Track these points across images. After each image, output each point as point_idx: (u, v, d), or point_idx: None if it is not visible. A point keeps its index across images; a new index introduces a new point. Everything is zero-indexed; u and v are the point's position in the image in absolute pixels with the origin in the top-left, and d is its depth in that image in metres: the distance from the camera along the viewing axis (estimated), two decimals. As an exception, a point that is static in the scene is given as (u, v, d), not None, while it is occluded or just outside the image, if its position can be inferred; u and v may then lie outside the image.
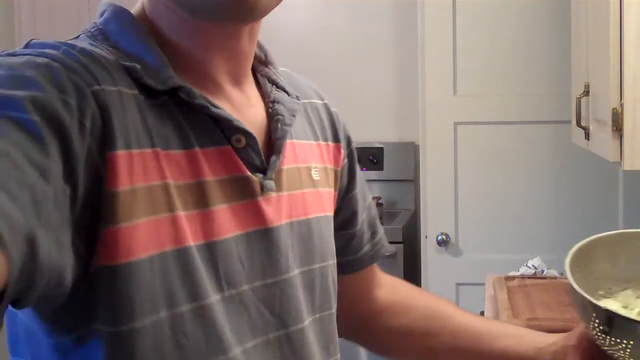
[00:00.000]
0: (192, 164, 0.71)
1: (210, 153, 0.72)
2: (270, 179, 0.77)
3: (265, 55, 0.86)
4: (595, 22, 1.91)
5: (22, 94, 0.58)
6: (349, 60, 3.56)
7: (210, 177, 0.72)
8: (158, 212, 0.67)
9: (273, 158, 0.78)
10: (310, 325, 0.81)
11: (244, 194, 0.74)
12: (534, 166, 2.98)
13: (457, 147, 2.98)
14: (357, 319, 1.02)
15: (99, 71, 0.65)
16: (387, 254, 1.04)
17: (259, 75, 0.84)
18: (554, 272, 2.34)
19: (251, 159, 0.75)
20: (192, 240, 0.69)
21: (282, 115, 0.80)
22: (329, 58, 3.55)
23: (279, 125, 0.80)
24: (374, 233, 1.01)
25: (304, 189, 0.83)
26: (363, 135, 3.46)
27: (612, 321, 0.80)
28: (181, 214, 0.68)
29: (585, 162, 2.78)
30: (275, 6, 0.75)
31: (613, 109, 1.59)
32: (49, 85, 0.60)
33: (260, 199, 0.76)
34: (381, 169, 3.49)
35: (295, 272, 0.79)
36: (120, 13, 0.74)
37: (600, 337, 0.83)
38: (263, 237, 0.76)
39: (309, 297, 0.81)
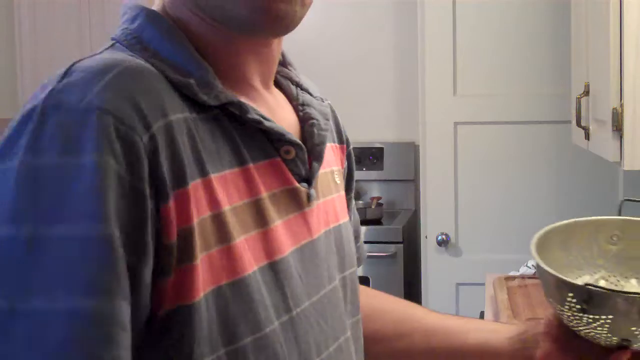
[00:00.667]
0: (248, 181, 0.68)
1: (263, 167, 0.70)
2: (313, 187, 0.75)
3: (283, 56, 0.83)
4: (595, 22, 1.91)
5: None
6: (349, 60, 3.56)
7: (264, 193, 0.69)
8: (210, 247, 0.62)
9: (315, 166, 0.75)
10: (350, 332, 0.79)
11: (294, 207, 0.72)
12: (534, 166, 2.98)
13: (457, 147, 2.98)
14: None
15: (148, 102, 0.59)
16: (361, 264, 0.98)
17: (278, 77, 0.82)
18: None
19: (298, 169, 0.73)
20: (254, 264, 0.65)
21: (317, 120, 0.78)
22: (329, 58, 3.55)
23: (315, 130, 0.77)
24: (356, 238, 0.95)
25: (333, 194, 0.81)
26: (363, 135, 3.46)
27: (591, 297, 0.79)
28: (240, 240, 0.65)
29: (585, 162, 2.78)
30: (303, 17, 0.73)
31: (613, 109, 1.59)
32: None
33: (307, 209, 0.74)
34: (381, 169, 3.49)
35: (337, 281, 0.78)
36: (155, 18, 0.69)
37: (576, 317, 0.82)
38: (311, 248, 0.73)
39: (346, 304, 0.80)
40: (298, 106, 0.79)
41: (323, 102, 0.82)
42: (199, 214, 0.61)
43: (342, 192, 0.87)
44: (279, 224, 0.69)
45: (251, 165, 0.68)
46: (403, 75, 3.46)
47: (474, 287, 2.87)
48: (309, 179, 0.74)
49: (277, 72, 0.81)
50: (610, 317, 0.80)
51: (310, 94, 0.81)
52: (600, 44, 1.78)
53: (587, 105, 2.04)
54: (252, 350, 0.63)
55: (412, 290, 3.07)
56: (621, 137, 1.58)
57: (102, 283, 0.53)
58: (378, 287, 1.25)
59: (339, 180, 0.85)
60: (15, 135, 0.56)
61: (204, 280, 0.60)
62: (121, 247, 0.54)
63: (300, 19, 0.72)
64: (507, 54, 2.97)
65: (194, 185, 0.61)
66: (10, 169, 0.55)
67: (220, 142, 0.66)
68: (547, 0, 2.93)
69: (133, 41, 0.67)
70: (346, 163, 0.93)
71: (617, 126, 1.58)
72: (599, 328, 0.82)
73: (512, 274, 2.36)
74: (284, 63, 0.83)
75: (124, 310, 0.54)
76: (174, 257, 0.58)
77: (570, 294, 0.82)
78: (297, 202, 0.72)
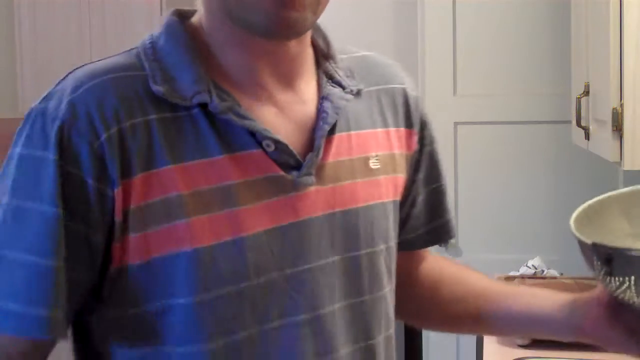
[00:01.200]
0: (217, 169, 0.79)
1: (241, 157, 0.81)
2: (308, 174, 0.83)
3: (328, 49, 0.92)
4: (595, 22, 1.91)
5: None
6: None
7: (237, 179, 0.80)
8: (171, 220, 0.78)
9: (309, 156, 0.84)
10: (346, 308, 0.86)
11: (278, 191, 0.82)
12: (534, 166, 2.98)
13: (457, 147, 2.98)
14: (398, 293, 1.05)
15: (102, 115, 0.77)
16: (448, 241, 1.07)
17: (320, 70, 0.90)
18: (554, 272, 2.34)
19: (284, 159, 0.82)
20: (213, 239, 0.78)
21: (326, 113, 0.86)
22: (329, 58, 3.55)
23: (321, 123, 0.85)
24: (433, 217, 1.03)
25: (357, 179, 0.88)
26: (363, 135, 3.46)
27: (610, 257, 0.79)
28: (196, 218, 0.78)
29: (585, 162, 2.78)
30: (314, 22, 0.84)
31: (613, 109, 1.59)
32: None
33: (295, 194, 0.83)
34: (381, 169, 3.49)
35: (331, 259, 0.85)
36: (171, 27, 0.83)
37: (607, 281, 0.81)
38: (297, 228, 0.83)
39: (350, 281, 0.87)
40: (320, 100, 0.88)
41: (352, 92, 0.89)
42: (145, 199, 0.77)
43: (392, 175, 0.93)
44: (252, 206, 0.80)
45: (224, 156, 0.80)
46: (403, 75, 3.46)
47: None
48: (297, 167, 0.83)
49: (321, 66, 0.90)
50: (633, 277, 0.78)
51: (343, 86, 0.89)
52: (600, 44, 1.78)
53: (587, 105, 2.04)
54: (206, 308, 0.78)
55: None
56: (621, 137, 1.58)
57: (45, 246, 0.75)
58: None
59: (379, 165, 0.90)
60: (20, 129, 0.79)
61: (145, 250, 0.77)
62: (63, 220, 0.75)
63: (312, 24, 0.83)
64: (507, 54, 2.97)
65: (142, 176, 0.77)
66: (13, 155, 0.78)
67: (189, 137, 0.79)
68: (547, 0, 2.93)
69: (149, 47, 0.83)
70: (417, 146, 0.98)
71: (617, 126, 1.58)
72: (628, 291, 0.79)
73: (512, 274, 2.36)
74: (327, 56, 0.91)
75: (61, 269, 0.75)
76: (120, 229, 0.77)
77: (595, 257, 0.80)
78: (279, 188, 0.82)
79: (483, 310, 1.01)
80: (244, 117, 0.81)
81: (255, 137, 0.81)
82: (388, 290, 0.93)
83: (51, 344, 0.80)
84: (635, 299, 0.80)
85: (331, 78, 0.90)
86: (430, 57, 3.00)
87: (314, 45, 0.91)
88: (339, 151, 0.87)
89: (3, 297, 0.75)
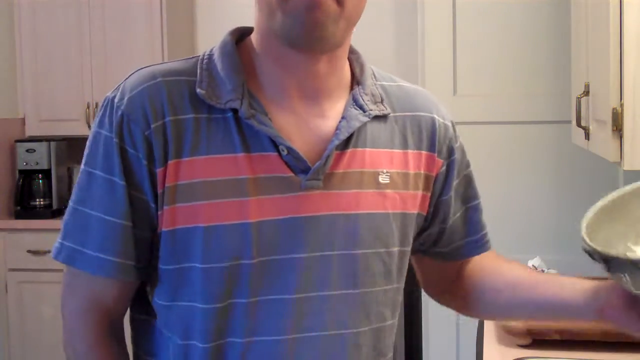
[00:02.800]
0: (234, 165, 0.95)
1: (258, 157, 0.96)
2: (316, 179, 0.97)
3: (360, 76, 1.05)
4: (595, 22, 1.91)
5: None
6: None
7: (249, 175, 0.95)
8: (193, 200, 0.95)
9: (318, 163, 0.97)
10: (335, 297, 0.99)
11: (286, 190, 0.96)
12: (534, 166, 2.99)
13: (457, 147, 2.97)
14: (442, 290, 1.22)
15: (152, 109, 0.96)
16: (485, 252, 1.20)
17: (351, 94, 1.03)
18: (554, 272, 2.34)
19: (295, 163, 0.96)
20: (222, 221, 0.94)
21: (339, 131, 0.99)
22: (329, 58, 3.55)
23: (334, 138, 0.98)
24: (469, 233, 1.16)
25: (363, 189, 1.00)
26: (363, 135, 3.46)
27: (606, 260, 0.89)
28: (207, 202, 0.94)
29: (585, 162, 2.79)
30: (343, 39, 0.98)
31: (613, 109, 1.59)
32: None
33: (300, 194, 0.96)
34: (381, 169, 3.49)
35: (328, 253, 0.98)
36: (225, 45, 1.00)
37: (613, 277, 0.92)
38: (298, 222, 0.96)
39: (345, 274, 0.99)
40: (341, 119, 1.01)
41: (369, 115, 1.02)
42: (175, 181, 0.95)
43: (403, 191, 1.04)
44: (259, 198, 0.95)
45: (244, 154, 0.95)
46: (403, 75, 3.45)
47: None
48: (306, 172, 0.97)
49: (353, 89, 1.04)
50: (626, 274, 0.88)
51: (363, 109, 1.02)
52: (600, 44, 1.78)
53: (587, 105, 2.04)
54: (214, 274, 0.95)
55: (412, 290, 3.07)
56: (621, 137, 1.58)
57: (119, 209, 0.96)
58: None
59: (389, 180, 1.02)
60: (98, 111, 1.00)
61: (172, 220, 0.95)
62: (127, 189, 0.95)
63: (336, 40, 0.96)
64: (507, 54, 2.98)
65: (174, 162, 0.95)
66: (92, 132, 0.99)
67: (218, 135, 0.96)
68: (547, 0, 2.93)
69: (207, 58, 1.00)
70: (443, 169, 1.10)
71: (617, 126, 1.58)
72: (627, 285, 0.90)
73: (512, 274, 2.36)
74: (359, 82, 1.04)
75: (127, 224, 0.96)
76: (160, 201, 0.95)
77: (593, 258, 0.91)
78: (287, 187, 0.96)
79: (520, 299, 1.12)
80: (262, 124, 0.95)
81: (275, 142, 0.95)
82: (384, 288, 1.04)
83: (129, 285, 1.00)
84: (633, 290, 0.90)
85: (356, 101, 1.02)
86: (430, 57, 3.01)
87: (352, 72, 1.06)
88: (350, 163, 1.00)
89: (94, 249, 0.97)
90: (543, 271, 2.35)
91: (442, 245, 1.15)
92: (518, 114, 2.97)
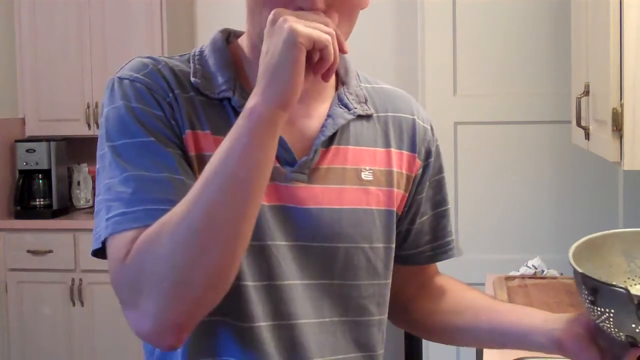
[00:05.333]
0: None
1: None
2: (301, 172, 0.99)
3: (345, 77, 1.08)
4: (595, 22, 1.91)
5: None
6: (348, 60, 3.55)
7: None
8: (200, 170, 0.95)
9: (304, 158, 1.00)
10: (314, 286, 1.01)
11: (272, 178, 0.94)
12: (534, 166, 2.99)
13: (457, 147, 2.98)
14: (401, 302, 1.19)
15: (166, 80, 0.99)
16: (448, 259, 1.20)
17: (336, 93, 1.06)
18: (554, 272, 2.34)
19: (282, 155, 0.98)
20: None
21: (325, 127, 1.02)
22: (329, 58, 3.55)
23: (320, 135, 1.02)
24: (436, 237, 1.17)
25: (346, 185, 1.03)
26: (363, 135, 3.46)
27: (595, 287, 0.87)
28: None
29: (585, 162, 2.78)
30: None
31: (613, 109, 1.60)
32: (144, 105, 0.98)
33: (287, 185, 0.99)
34: (381, 169, 3.49)
35: (312, 244, 1.00)
36: (215, 42, 1.04)
37: (591, 309, 0.89)
38: (282, 210, 0.98)
39: (326, 264, 1.01)
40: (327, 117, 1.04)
41: (354, 114, 1.05)
42: (189, 152, 0.97)
43: (385, 188, 1.06)
44: None
45: None
46: (403, 75, 3.46)
47: (474, 287, 2.87)
48: (292, 164, 0.99)
49: (338, 89, 1.07)
50: (613, 310, 0.86)
51: (348, 108, 1.05)
52: (600, 44, 1.78)
53: (587, 105, 2.04)
54: None
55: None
56: (621, 137, 1.59)
57: (155, 165, 0.94)
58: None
59: (371, 177, 1.05)
60: (104, 98, 1.00)
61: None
62: (161, 144, 0.95)
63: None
64: (507, 54, 2.98)
65: (190, 133, 0.98)
66: (106, 113, 0.99)
67: (222, 117, 0.99)
68: (547, 0, 2.93)
69: (198, 54, 1.04)
70: (420, 171, 1.11)
71: (617, 126, 1.59)
72: (607, 322, 0.88)
73: (512, 273, 2.36)
74: (344, 82, 1.07)
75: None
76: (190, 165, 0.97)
77: (583, 285, 0.89)
78: (273, 176, 0.95)
79: (479, 323, 1.13)
80: None
81: None
82: (368, 283, 1.05)
83: None
84: (612, 329, 0.88)
85: (341, 100, 1.06)
86: (430, 57, 3.01)
87: (337, 73, 1.08)
88: (333, 160, 1.02)
89: (150, 203, 0.93)
90: (543, 271, 2.35)
91: (408, 247, 1.15)
92: (518, 114, 2.97)
